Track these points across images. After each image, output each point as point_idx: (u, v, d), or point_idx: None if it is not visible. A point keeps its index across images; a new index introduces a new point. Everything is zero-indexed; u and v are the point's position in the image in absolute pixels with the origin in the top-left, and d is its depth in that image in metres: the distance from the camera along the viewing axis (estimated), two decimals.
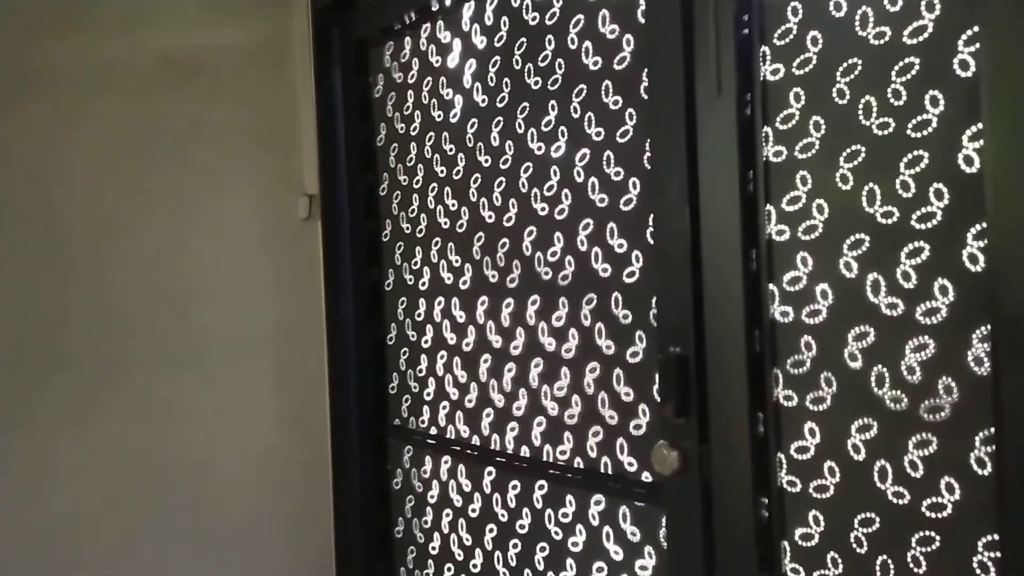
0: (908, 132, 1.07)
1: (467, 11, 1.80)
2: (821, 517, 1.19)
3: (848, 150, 1.13)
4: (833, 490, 1.17)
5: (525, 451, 1.71)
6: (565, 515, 1.63)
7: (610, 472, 1.52)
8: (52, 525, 1.95)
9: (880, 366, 1.11)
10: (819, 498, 1.19)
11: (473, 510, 1.87)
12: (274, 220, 2.23)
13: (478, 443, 1.84)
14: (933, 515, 1.06)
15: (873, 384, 1.11)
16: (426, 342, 2.00)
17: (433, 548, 2.01)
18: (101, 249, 2.02)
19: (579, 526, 1.60)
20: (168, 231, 2.09)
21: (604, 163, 1.49)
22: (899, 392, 1.09)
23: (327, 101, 2.18)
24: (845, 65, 1.13)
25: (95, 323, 2.00)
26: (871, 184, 1.11)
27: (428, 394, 2.01)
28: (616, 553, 1.52)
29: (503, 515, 1.79)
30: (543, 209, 1.63)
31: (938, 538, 1.06)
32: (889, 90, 1.08)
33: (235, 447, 2.17)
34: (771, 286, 1.23)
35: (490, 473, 1.82)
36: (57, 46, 1.97)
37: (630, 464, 1.48)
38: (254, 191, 2.21)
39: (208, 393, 2.13)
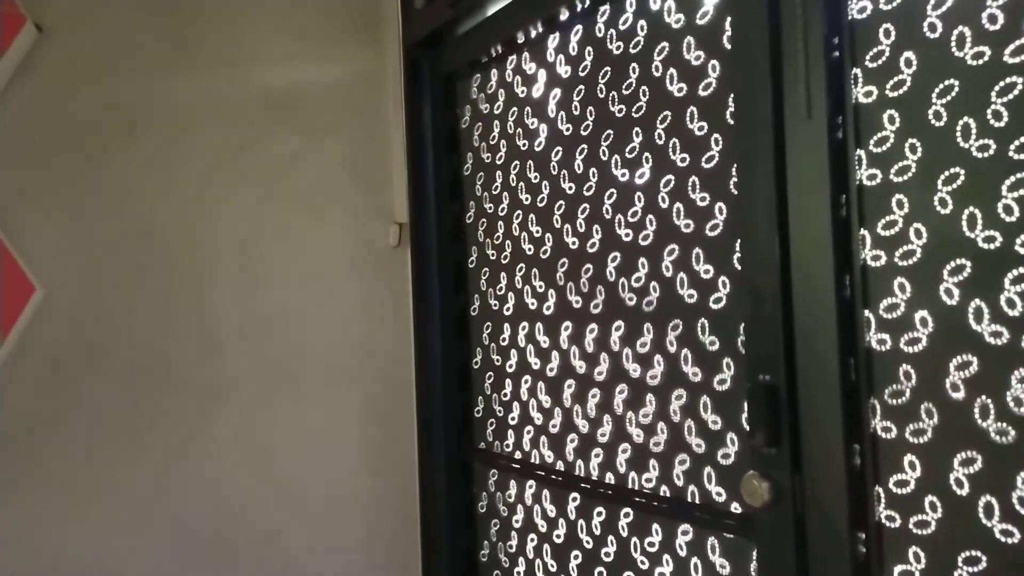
0: (1010, 154, 1.02)
1: (552, 42, 1.83)
2: (922, 555, 1.14)
3: (946, 173, 1.09)
4: (935, 526, 1.12)
5: (610, 478, 1.70)
6: (651, 544, 1.61)
7: (697, 502, 1.50)
8: (166, 534, 2.06)
9: (984, 397, 1.06)
10: (920, 534, 1.14)
11: (558, 536, 1.87)
12: (366, 248, 2.31)
13: (562, 468, 1.85)
14: None
15: (977, 416, 1.06)
16: (510, 366, 2.03)
17: (518, 573, 2.02)
18: (204, 277, 2.15)
19: (666, 556, 1.57)
20: (266, 259, 2.21)
21: (689, 188, 1.49)
22: (1005, 424, 1.04)
23: (417, 133, 2.26)
24: (941, 86, 1.10)
25: (199, 347, 2.13)
26: (972, 208, 1.07)
27: (513, 418, 2.03)
28: None
29: (588, 542, 1.78)
30: (627, 235, 1.63)
31: None
32: (989, 111, 1.04)
33: (325, 467, 2.24)
34: (867, 313, 1.20)
35: (575, 499, 1.82)
36: (167, 83, 2.12)
37: (718, 494, 1.45)
38: (347, 220, 2.30)
39: (300, 415, 2.22)
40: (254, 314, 2.18)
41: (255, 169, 2.20)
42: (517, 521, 2.02)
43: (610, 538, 1.71)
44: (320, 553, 2.22)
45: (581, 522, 1.80)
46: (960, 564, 1.09)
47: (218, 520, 2.11)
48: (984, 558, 1.06)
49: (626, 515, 1.67)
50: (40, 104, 2.00)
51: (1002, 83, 1.03)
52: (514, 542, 2.04)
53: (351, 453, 2.27)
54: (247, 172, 2.19)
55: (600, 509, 1.74)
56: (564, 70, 1.80)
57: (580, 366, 1.78)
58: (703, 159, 1.46)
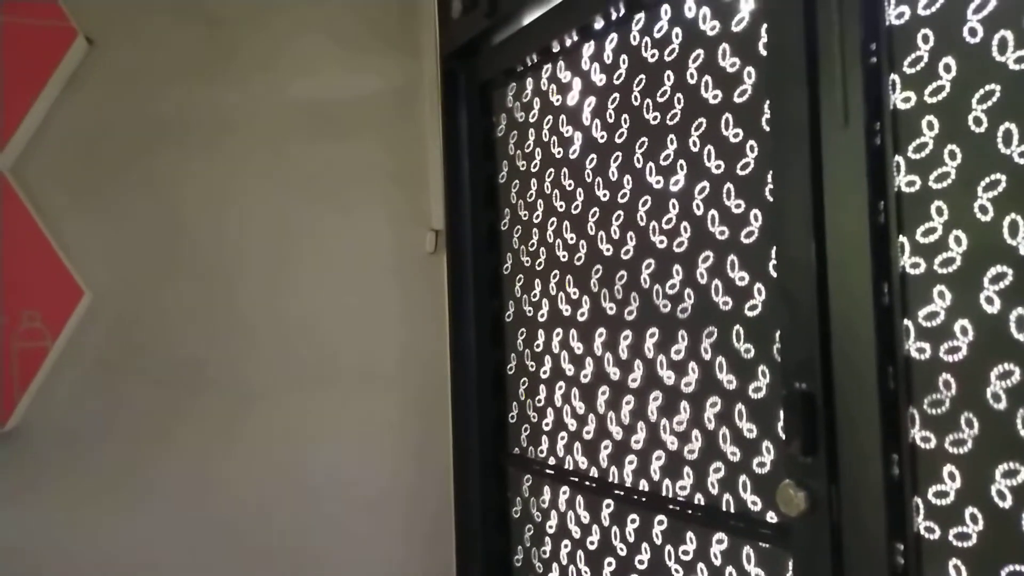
0: None
1: (587, 50, 1.84)
2: (963, 568, 1.12)
3: (987, 180, 1.08)
4: (976, 539, 1.10)
5: (644, 485, 1.70)
6: (686, 552, 1.60)
7: (732, 510, 1.49)
8: (204, 533, 2.10)
9: None
10: (960, 547, 1.12)
11: (591, 542, 1.87)
12: (403, 254, 2.34)
13: (596, 475, 1.85)
14: None
15: (1019, 426, 1.04)
16: (545, 372, 2.03)
17: None
18: (244, 280, 2.19)
19: (700, 564, 1.56)
20: (305, 264, 2.25)
21: (724, 195, 1.48)
22: None
23: (453, 141, 2.29)
24: (982, 92, 1.08)
25: (238, 350, 2.17)
26: (1013, 215, 1.05)
27: (547, 424, 2.03)
28: None
29: (622, 549, 1.78)
30: (661, 242, 1.63)
31: None
32: None
33: (361, 470, 2.27)
34: (905, 321, 1.18)
35: (608, 505, 1.82)
36: (213, 94, 2.17)
37: (754, 503, 1.44)
38: (385, 226, 2.33)
39: (337, 417, 2.25)
40: (293, 318, 2.22)
41: (295, 176, 2.24)
42: (551, 526, 2.02)
43: (644, 545, 1.71)
44: (354, 555, 2.25)
45: (615, 529, 1.80)
46: None
47: (254, 520, 2.15)
48: None
49: (660, 523, 1.67)
50: (90, 114, 2.06)
51: None
52: (548, 547, 2.04)
53: (386, 456, 2.30)
54: (288, 179, 2.23)
55: (634, 516, 1.74)
56: (599, 78, 1.81)
57: (614, 372, 1.78)
58: (738, 166, 1.45)
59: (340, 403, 2.26)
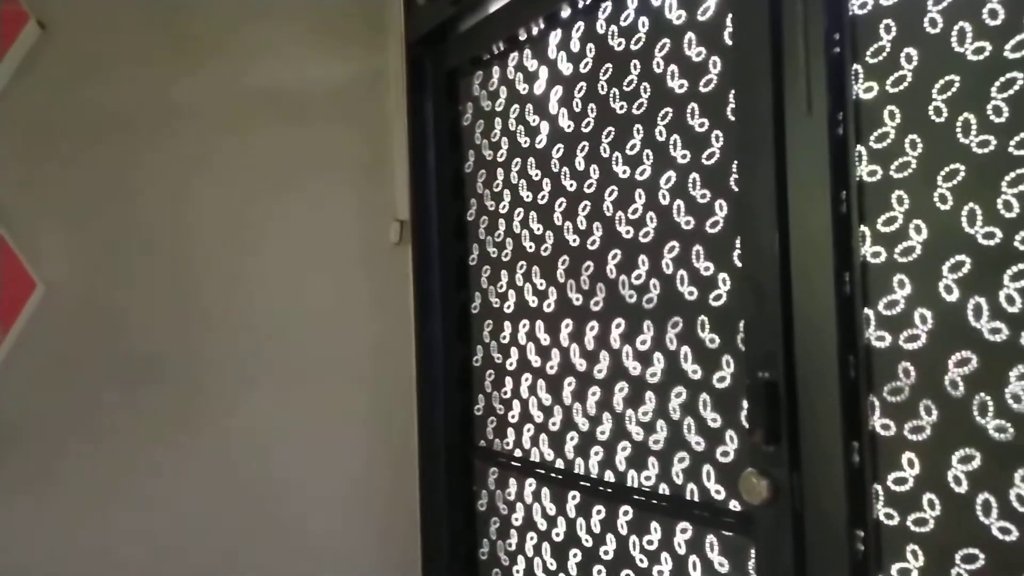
0: (1010, 150, 1.02)
1: (554, 39, 1.83)
2: (920, 552, 1.13)
3: (946, 169, 1.09)
4: (933, 524, 1.11)
5: (609, 476, 1.70)
6: (650, 542, 1.60)
7: (696, 500, 1.49)
8: (164, 533, 2.06)
9: (983, 394, 1.05)
10: (918, 532, 1.13)
11: (557, 534, 1.87)
12: (367, 245, 2.31)
13: (562, 466, 1.84)
14: None
15: (976, 413, 1.06)
16: (511, 364, 2.02)
17: (517, 572, 2.02)
18: (204, 273, 2.15)
19: (665, 554, 1.57)
20: (267, 256, 2.21)
21: (690, 185, 1.48)
22: (1004, 422, 1.03)
23: (419, 130, 2.26)
24: (942, 82, 1.09)
25: (197, 344, 2.13)
26: (971, 204, 1.06)
27: (513, 416, 2.02)
28: None
29: (587, 540, 1.77)
30: (628, 232, 1.63)
31: None
32: (990, 107, 1.04)
33: (326, 464, 2.24)
34: (866, 310, 1.19)
35: (574, 497, 1.81)
36: (170, 80, 2.12)
37: (717, 492, 1.45)
38: (349, 217, 2.30)
39: (301, 412, 2.22)
40: (255, 311, 2.18)
41: (256, 165, 2.20)
42: (517, 519, 2.02)
43: (609, 536, 1.71)
44: (318, 550, 2.22)
45: (580, 520, 1.80)
46: (958, 562, 1.08)
47: (217, 516, 2.11)
48: (982, 556, 1.06)
49: (625, 513, 1.67)
50: (43, 101, 2.00)
51: (1003, 78, 1.03)
52: (514, 540, 2.03)
53: (351, 450, 2.27)
54: (249, 168, 2.19)
55: (599, 507, 1.74)
56: (566, 67, 1.80)
57: (580, 364, 1.78)
58: (704, 156, 1.45)
59: (304, 398, 2.22)
